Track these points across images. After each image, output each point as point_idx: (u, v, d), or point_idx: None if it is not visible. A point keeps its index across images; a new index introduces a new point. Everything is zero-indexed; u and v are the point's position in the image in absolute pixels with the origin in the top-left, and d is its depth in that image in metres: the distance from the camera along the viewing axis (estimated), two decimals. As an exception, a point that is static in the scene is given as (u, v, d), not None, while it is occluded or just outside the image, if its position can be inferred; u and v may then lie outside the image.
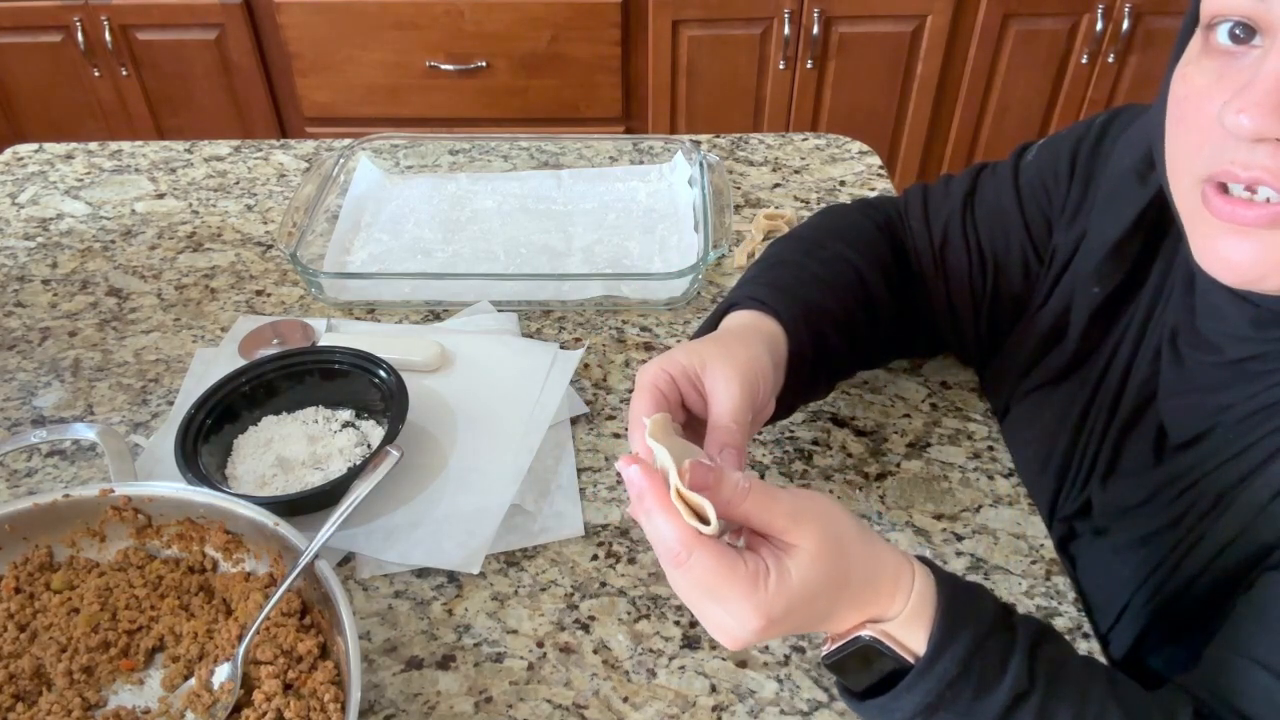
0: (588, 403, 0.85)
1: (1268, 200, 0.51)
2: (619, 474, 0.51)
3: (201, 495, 0.67)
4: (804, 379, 0.70)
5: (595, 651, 0.66)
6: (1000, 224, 0.79)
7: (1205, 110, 0.52)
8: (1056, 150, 0.76)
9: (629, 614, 0.68)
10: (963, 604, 0.51)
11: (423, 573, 0.71)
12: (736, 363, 0.59)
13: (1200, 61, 0.54)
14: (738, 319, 0.69)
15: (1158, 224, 0.68)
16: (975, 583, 0.54)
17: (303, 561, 0.60)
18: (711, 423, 0.57)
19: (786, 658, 0.65)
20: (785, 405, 0.70)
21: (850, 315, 0.74)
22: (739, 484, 0.47)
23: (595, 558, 0.72)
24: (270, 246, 1.05)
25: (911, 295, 0.80)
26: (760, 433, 0.82)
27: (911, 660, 0.50)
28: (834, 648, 0.52)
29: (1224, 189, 0.52)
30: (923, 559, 0.53)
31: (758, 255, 0.80)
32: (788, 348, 0.67)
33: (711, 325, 0.71)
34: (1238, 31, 0.51)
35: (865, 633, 0.50)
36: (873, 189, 1.14)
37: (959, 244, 0.79)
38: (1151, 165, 0.66)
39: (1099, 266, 0.70)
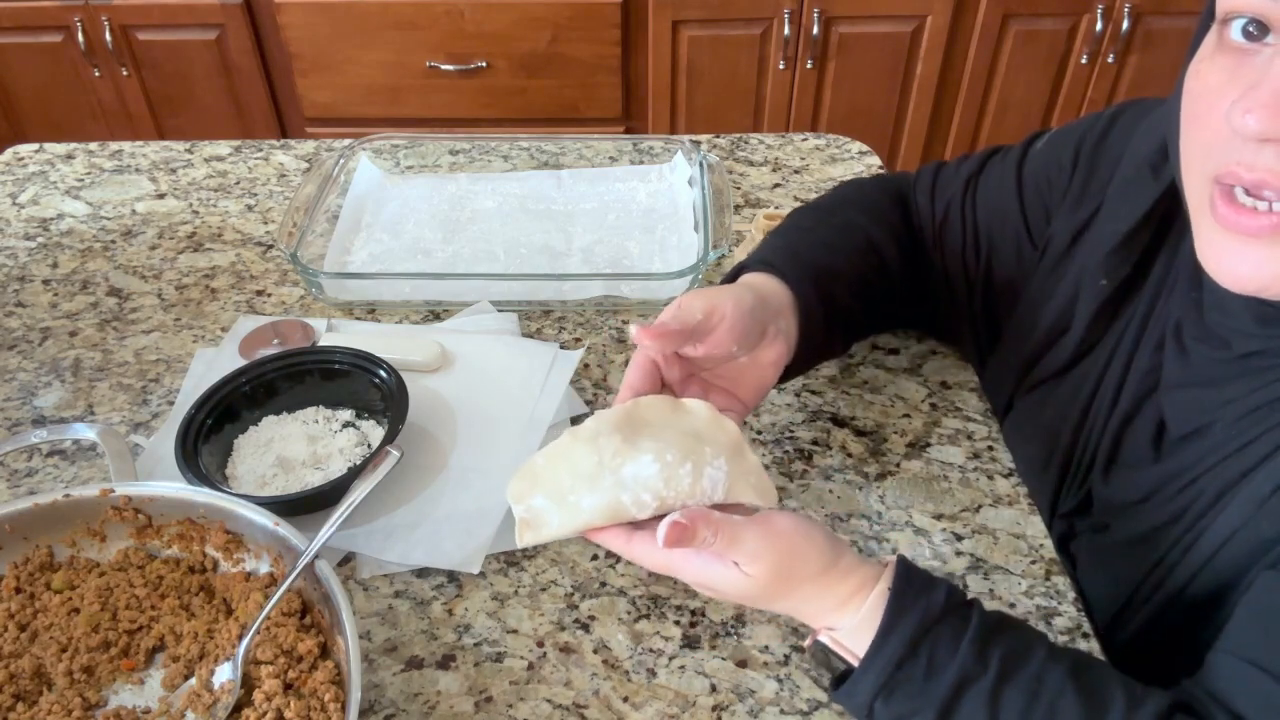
0: (588, 403, 0.85)
1: (1270, 208, 0.51)
2: None
3: (202, 495, 0.67)
4: (818, 335, 0.73)
5: (595, 651, 0.66)
6: (999, 208, 0.81)
7: (1216, 108, 0.53)
8: (1064, 141, 0.78)
9: (629, 614, 0.68)
10: (914, 593, 0.55)
11: (423, 573, 0.71)
12: (700, 292, 0.65)
13: (1215, 58, 0.54)
14: (744, 279, 0.73)
15: (1167, 217, 0.68)
16: (940, 578, 0.57)
17: (303, 561, 0.60)
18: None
19: (786, 658, 0.65)
20: (804, 360, 0.73)
21: (861, 276, 0.77)
22: (706, 540, 0.54)
23: (595, 558, 0.72)
24: (270, 246, 1.05)
25: (920, 266, 0.83)
26: (760, 431, 0.82)
27: (856, 664, 0.55)
28: (807, 645, 0.58)
29: (1230, 195, 0.52)
30: (902, 560, 0.57)
31: (748, 255, 0.81)
32: (795, 306, 0.72)
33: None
34: (1251, 29, 0.51)
35: (821, 637, 0.56)
36: (873, 189, 1.14)
37: (957, 224, 0.82)
38: (1165, 158, 0.67)
39: (1107, 258, 0.70)
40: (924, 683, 0.53)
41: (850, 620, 0.55)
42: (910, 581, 0.55)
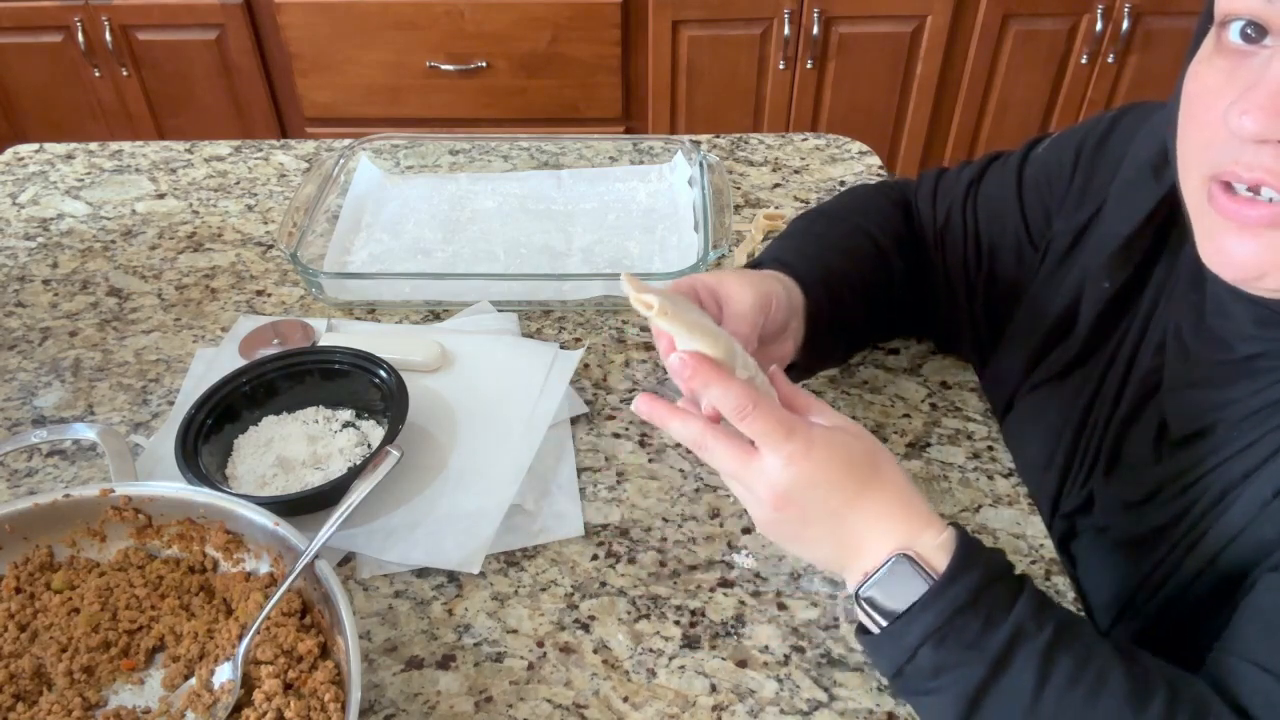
0: (588, 403, 0.85)
1: (1270, 200, 0.51)
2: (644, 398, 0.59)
3: (202, 495, 0.67)
4: (822, 337, 0.74)
5: (595, 651, 0.66)
6: (999, 212, 0.81)
7: (1214, 109, 0.53)
8: (1064, 143, 0.78)
9: (629, 614, 0.68)
10: (978, 548, 0.55)
11: (423, 573, 0.71)
12: (751, 280, 0.67)
13: (1213, 60, 0.54)
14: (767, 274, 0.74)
15: (1168, 220, 0.68)
16: (995, 548, 0.57)
17: (303, 561, 0.60)
18: (724, 321, 0.64)
19: (786, 658, 0.65)
20: (805, 364, 0.75)
21: (869, 284, 0.78)
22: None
23: (595, 558, 0.72)
24: (270, 246, 1.05)
25: (922, 274, 0.84)
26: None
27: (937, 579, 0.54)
28: (870, 572, 0.55)
29: (1229, 187, 0.53)
30: (956, 524, 0.57)
31: (759, 254, 0.81)
32: (805, 306, 0.72)
33: None
34: (1249, 31, 0.51)
35: (907, 552, 0.54)
36: (873, 189, 1.14)
37: (959, 229, 0.82)
38: (1166, 161, 0.67)
39: (1109, 261, 0.71)
40: (980, 634, 0.52)
41: (933, 539, 0.54)
42: (972, 540, 0.56)
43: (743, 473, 0.55)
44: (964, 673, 0.52)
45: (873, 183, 0.90)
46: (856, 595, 0.56)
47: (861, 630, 0.57)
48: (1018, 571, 0.57)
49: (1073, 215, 0.75)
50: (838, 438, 0.55)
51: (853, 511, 0.55)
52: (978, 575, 0.53)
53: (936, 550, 0.54)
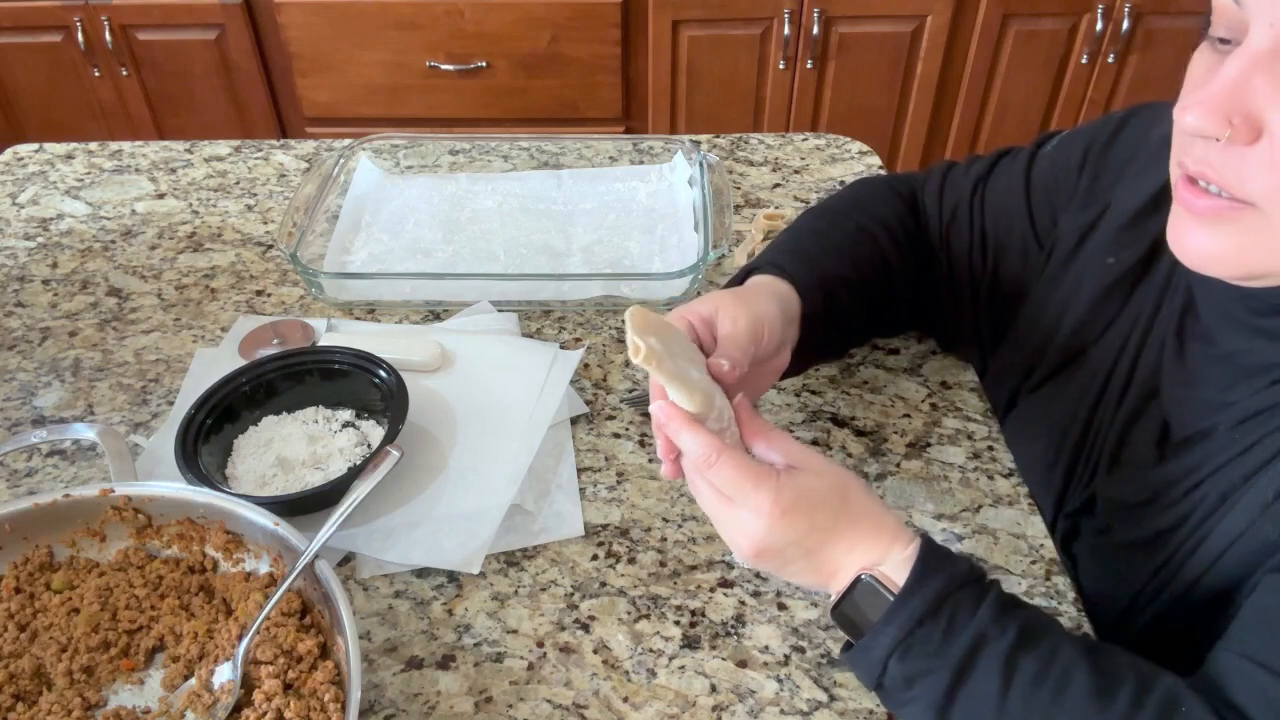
0: (588, 403, 0.85)
1: (1220, 194, 0.54)
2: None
3: (202, 495, 0.67)
4: (818, 337, 0.75)
5: (595, 651, 0.66)
6: (1005, 209, 0.81)
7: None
8: (1073, 143, 0.78)
9: (629, 614, 0.68)
10: (940, 558, 0.56)
11: (423, 573, 0.71)
12: (745, 306, 0.66)
13: (1203, 53, 0.56)
14: (756, 281, 0.74)
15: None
16: (961, 555, 0.58)
17: (303, 561, 0.60)
18: (718, 347, 0.64)
19: (786, 658, 0.65)
20: (802, 360, 0.75)
21: (867, 284, 0.78)
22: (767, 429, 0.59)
23: (595, 558, 0.72)
24: (270, 246, 1.05)
25: (927, 273, 0.84)
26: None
27: None
28: (838, 596, 0.57)
29: (1189, 178, 0.55)
30: (925, 533, 0.58)
31: (758, 254, 0.81)
32: (800, 308, 0.73)
33: (735, 285, 0.76)
34: (1222, 33, 0.53)
35: (867, 574, 0.56)
36: (873, 189, 1.14)
37: (965, 225, 0.82)
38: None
39: (1117, 234, 0.71)
40: (942, 642, 0.53)
41: (900, 553, 0.56)
42: (935, 550, 0.57)
43: (722, 517, 0.58)
44: (932, 681, 0.53)
45: (884, 176, 0.90)
46: (832, 614, 0.58)
47: (846, 647, 0.58)
48: (1018, 572, 0.57)
49: (1078, 215, 0.75)
50: (803, 481, 0.57)
51: (828, 545, 0.57)
52: (938, 585, 0.54)
53: (902, 564, 0.55)
